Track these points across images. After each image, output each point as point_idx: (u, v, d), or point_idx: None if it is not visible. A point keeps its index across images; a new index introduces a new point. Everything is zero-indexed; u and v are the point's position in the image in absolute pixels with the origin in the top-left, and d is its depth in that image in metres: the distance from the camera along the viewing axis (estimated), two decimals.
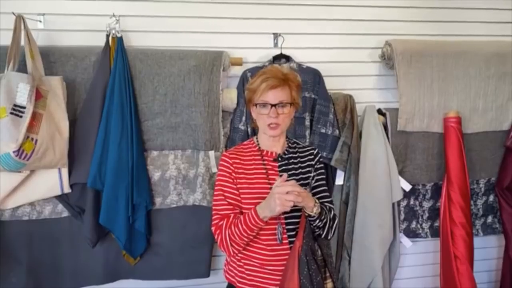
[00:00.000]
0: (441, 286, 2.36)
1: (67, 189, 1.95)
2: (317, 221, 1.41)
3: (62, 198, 1.98)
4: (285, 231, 1.45)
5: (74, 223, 2.01)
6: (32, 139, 1.76)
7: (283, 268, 1.42)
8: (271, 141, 1.53)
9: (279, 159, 1.52)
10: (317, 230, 1.45)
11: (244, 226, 1.39)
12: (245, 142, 1.62)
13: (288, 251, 1.43)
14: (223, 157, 1.54)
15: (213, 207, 1.52)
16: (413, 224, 2.38)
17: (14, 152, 1.69)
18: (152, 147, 2.07)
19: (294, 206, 1.35)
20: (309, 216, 1.40)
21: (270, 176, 1.49)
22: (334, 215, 1.51)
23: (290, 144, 1.58)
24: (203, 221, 2.09)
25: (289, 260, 1.40)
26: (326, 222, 1.45)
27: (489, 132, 2.38)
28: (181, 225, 2.09)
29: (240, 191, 1.48)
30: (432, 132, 2.32)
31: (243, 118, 2.13)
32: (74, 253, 2.03)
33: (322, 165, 1.60)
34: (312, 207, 1.39)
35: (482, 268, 2.54)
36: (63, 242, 2.03)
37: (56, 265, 2.03)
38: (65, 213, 2.01)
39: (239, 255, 1.50)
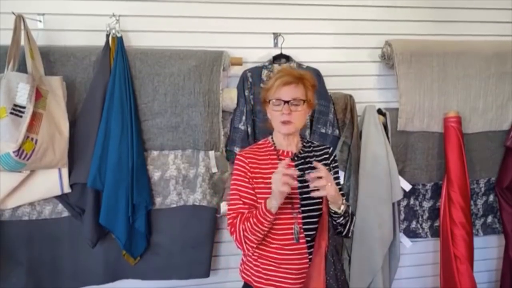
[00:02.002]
0: (441, 286, 2.36)
1: (67, 189, 1.95)
2: (341, 218, 1.41)
3: (62, 198, 1.98)
4: (302, 230, 1.44)
5: (74, 223, 2.01)
6: (32, 139, 1.76)
7: (300, 267, 1.43)
8: (286, 140, 1.52)
9: (295, 158, 1.52)
10: (339, 227, 1.45)
11: (254, 219, 1.38)
12: (260, 142, 1.61)
13: (305, 251, 1.44)
14: (238, 157, 1.53)
15: (229, 207, 1.52)
16: (413, 224, 2.38)
17: (14, 152, 1.69)
18: (152, 147, 2.07)
19: (318, 201, 1.39)
20: (335, 213, 1.40)
21: None
22: (352, 212, 1.51)
23: (304, 144, 1.57)
24: (203, 221, 2.09)
25: (314, 262, 1.40)
26: (348, 220, 1.46)
27: (489, 132, 2.38)
28: (181, 225, 2.09)
29: (257, 190, 1.48)
30: (432, 132, 2.32)
31: (243, 118, 2.13)
32: (74, 253, 2.03)
33: (337, 163, 1.60)
34: (340, 204, 1.39)
35: (482, 268, 2.53)
36: (63, 242, 2.03)
37: (56, 265, 2.03)
38: (65, 213, 2.01)
39: (255, 254, 1.49)
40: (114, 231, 1.98)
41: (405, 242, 2.37)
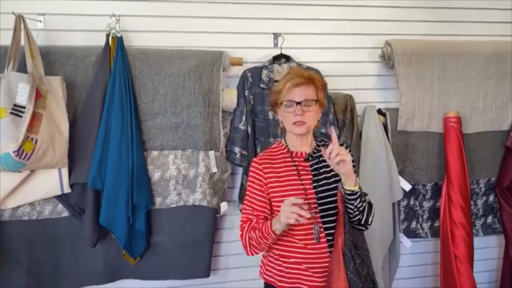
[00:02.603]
0: (441, 286, 2.36)
1: (67, 189, 1.95)
2: (358, 201, 1.38)
3: (62, 198, 1.98)
4: (322, 229, 1.45)
5: (74, 223, 2.01)
6: (32, 139, 1.76)
7: (322, 266, 1.44)
8: (299, 140, 1.52)
9: (310, 158, 1.52)
10: (357, 213, 1.41)
11: (260, 233, 1.42)
12: (273, 145, 1.61)
13: (327, 249, 1.44)
14: (253, 163, 1.55)
15: (243, 208, 1.55)
16: (413, 224, 2.38)
17: (14, 152, 1.69)
18: (152, 147, 2.07)
19: (334, 199, 1.40)
20: (351, 193, 1.37)
21: (303, 177, 1.48)
22: (370, 202, 1.48)
23: (318, 142, 1.57)
24: (203, 221, 2.09)
25: (333, 258, 1.41)
26: (365, 206, 1.42)
27: (489, 132, 2.38)
28: (181, 225, 2.09)
29: (272, 194, 1.49)
30: (432, 132, 2.32)
31: (243, 118, 2.13)
32: (74, 253, 2.03)
33: (352, 158, 1.56)
34: (354, 180, 1.37)
35: (482, 268, 2.53)
36: (63, 242, 2.03)
37: (56, 265, 2.03)
38: (65, 213, 2.01)
39: (277, 254, 1.51)
40: (114, 231, 1.98)
41: (405, 242, 2.37)
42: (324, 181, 1.49)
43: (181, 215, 2.09)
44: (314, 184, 1.47)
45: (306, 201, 1.43)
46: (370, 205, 1.46)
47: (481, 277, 2.54)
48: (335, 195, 1.46)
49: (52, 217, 2.00)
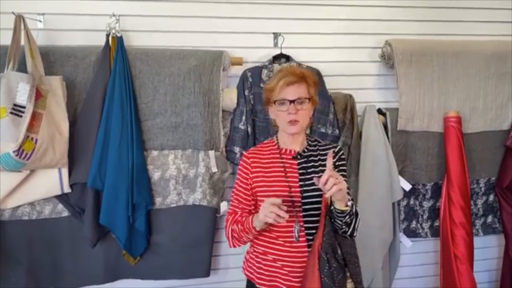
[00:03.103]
0: (441, 286, 2.36)
1: (67, 189, 1.95)
2: (347, 217, 1.37)
3: (62, 198, 1.98)
4: (302, 229, 1.44)
5: (74, 223, 2.01)
6: (32, 138, 1.76)
7: (300, 266, 1.43)
8: (291, 139, 1.52)
9: (298, 156, 1.51)
10: (344, 227, 1.40)
11: (241, 227, 1.45)
12: (265, 141, 1.61)
13: (305, 249, 1.44)
14: (243, 157, 1.57)
15: (231, 199, 1.58)
16: (413, 224, 2.38)
17: (14, 151, 1.69)
18: (152, 147, 2.07)
19: (319, 200, 1.40)
20: (342, 212, 1.35)
21: (289, 174, 1.48)
22: (357, 211, 1.47)
23: (310, 142, 1.56)
24: (203, 221, 2.09)
25: (310, 259, 1.40)
26: (352, 219, 1.41)
27: (489, 132, 2.38)
28: (181, 225, 2.09)
29: (257, 189, 1.49)
30: (432, 132, 2.32)
31: (243, 118, 2.13)
32: (74, 253, 2.03)
33: (344, 162, 1.57)
34: (347, 201, 1.35)
35: (482, 268, 2.53)
36: (63, 242, 2.03)
37: (56, 265, 2.03)
38: (65, 213, 2.01)
39: (258, 251, 1.52)
40: (114, 231, 1.98)
41: (405, 242, 2.37)
42: (312, 181, 1.45)
43: (181, 215, 2.09)
44: (300, 183, 1.46)
45: (290, 199, 1.43)
46: (356, 215, 1.44)
47: (481, 277, 2.53)
48: (321, 196, 1.43)
49: (52, 217, 2.00)
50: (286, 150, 1.53)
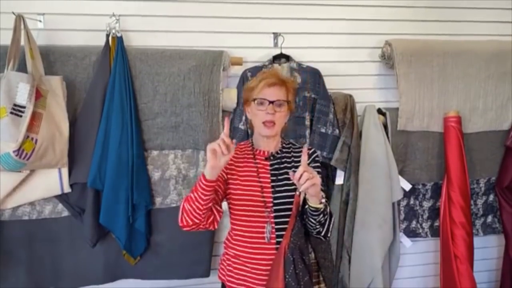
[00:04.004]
0: (441, 286, 2.36)
1: (67, 189, 1.96)
2: (321, 215, 1.36)
3: (62, 198, 1.98)
4: (274, 230, 1.45)
5: (74, 223, 2.01)
6: (32, 138, 1.76)
7: (268, 268, 1.42)
8: (265, 141, 1.53)
9: (271, 158, 1.53)
10: (318, 226, 1.40)
11: (193, 188, 1.36)
12: (242, 142, 1.63)
13: (274, 251, 1.43)
14: None
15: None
16: (413, 224, 2.38)
17: (14, 151, 1.69)
18: (152, 147, 2.07)
19: (291, 200, 1.37)
20: (316, 210, 1.34)
21: (261, 175, 1.50)
22: (331, 212, 1.47)
23: (284, 145, 1.59)
24: None
25: (275, 259, 1.40)
26: (326, 218, 1.41)
27: (489, 132, 2.38)
28: None
29: (231, 187, 1.50)
30: (432, 131, 2.32)
31: (243, 118, 2.13)
32: (74, 253, 2.03)
33: (317, 164, 1.57)
34: (320, 198, 1.34)
35: (482, 268, 2.54)
36: (63, 242, 2.03)
37: (56, 265, 2.03)
38: (65, 213, 2.01)
39: (229, 254, 1.52)
40: (114, 231, 1.98)
41: (405, 242, 2.37)
42: (284, 182, 1.48)
43: None
44: (272, 184, 1.48)
45: (262, 200, 1.45)
46: (330, 216, 1.44)
47: (481, 277, 2.54)
48: (292, 197, 1.43)
49: (52, 216, 2.00)
50: (260, 151, 1.55)
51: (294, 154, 1.56)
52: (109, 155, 1.92)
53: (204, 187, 1.32)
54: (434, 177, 2.37)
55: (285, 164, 1.52)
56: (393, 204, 2.26)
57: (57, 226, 2.00)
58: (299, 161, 1.48)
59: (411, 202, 2.37)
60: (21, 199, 1.93)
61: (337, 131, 2.20)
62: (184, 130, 2.08)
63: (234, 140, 1.30)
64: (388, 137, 2.27)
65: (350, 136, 2.22)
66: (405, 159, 2.33)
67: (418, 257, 2.52)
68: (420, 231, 2.39)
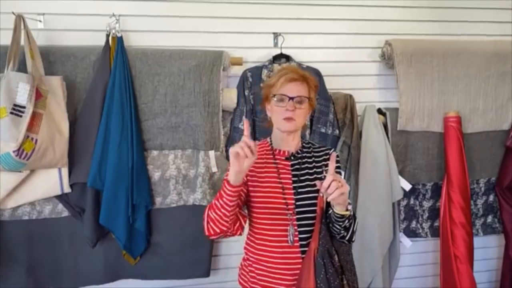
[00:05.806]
0: (441, 286, 2.36)
1: (67, 189, 1.96)
2: (346, 221, 1.31)
3: (62, 198, 1.98)
4: (296, 233, 1.39)
5: (74, 223, 2.01)
6: (32, 138, 1.76)
7: (293, 272, 1.38)
8: (285, 139, 1.47)
9: (292, 158, 1.46)
10: (342, 231, 1.35)
11: (218, 195, 1.33)
12: (259, 142, 1.56)
13: (299, 255, 1.38)
14: None
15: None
16: (413, 224, 2.38)
17: (14, 151, 1.69)
18: (152, 147, 2.07)
19: (313, 202, 1.35)
20: (342, 217, 1.29)
21: (282, 175, 1.43)
22: (355, 215, 1.42)
23: (304, 144, 1.51)
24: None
25: (304, 264, 1.35)
26: (351, 223, 1.35)
27: (489, 132, 2.38)
28: (181, 225, 2.09)
29: (251, 189, 1.44)
30: (432, 132, 2.32)
31: (243, 118, 2.13)
32: (74, 253, 2.03)
33: (338, 164, 1.50)
34: (347, 205, 1.29)
35: (482, 268, 2.54)
36: (63, 242, 2.03)
37: (56, 265, 2.03)
38: (65, 213, 2.01)
39: (251, 259, 1.47)
40: (114, 231, 1.98)
41: (405, 242, 2.37)
42: (306, 183, 1.43)
43: (181, 215, 2.09)
44: (294, 185, 1.42)
45: (284, 201, 1.40)
46: (355, 219, 1.39)
47: (481, 277, 2.54)
48: (315, 198, 1.39)
49: (52, 216, 2.00)
50: (279, 151, 1.48)
51: (315, 154, 1.50)
52: (109, 155, 1.92)
53: (229, 193, 1.27)
54: (434, 177, 2.37)
55: (306, 164, 1.46)
56: (393, 204, 2.26)
57: (57, 226, 2.00)
58: (320, 161, 1.47)
59: (411, 202, 2.37)
60: (21, 199, 1.93)
61: (337, 131, 2.20)
62: (184, 130, 2.08)
63: (256, 142, 1.24)
64: (388, 137, 2.27)
65: (350, 136, 2.22)
66: (405, 159, 2.33)
67: (418, 257, 2.52)
68: (420, 231, 2.39)
